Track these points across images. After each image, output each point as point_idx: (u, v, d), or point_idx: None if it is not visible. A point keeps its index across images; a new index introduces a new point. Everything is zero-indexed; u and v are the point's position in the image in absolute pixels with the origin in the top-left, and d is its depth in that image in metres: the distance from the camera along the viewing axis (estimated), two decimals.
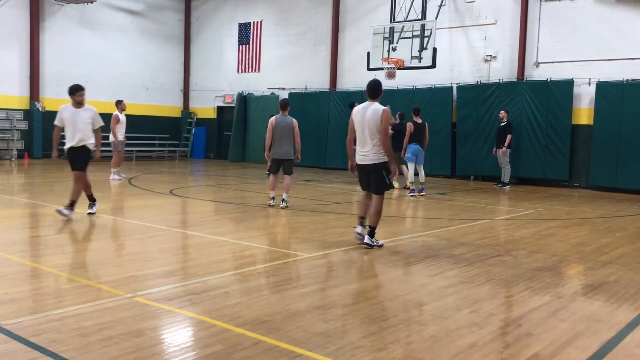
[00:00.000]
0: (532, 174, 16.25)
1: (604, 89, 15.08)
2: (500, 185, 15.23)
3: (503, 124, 15.18)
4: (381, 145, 6.74)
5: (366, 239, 6.87)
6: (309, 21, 21.47)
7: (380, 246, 6.90)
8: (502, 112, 15.28)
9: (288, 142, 10.06)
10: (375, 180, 6.87)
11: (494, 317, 4.47)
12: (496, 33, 17.09)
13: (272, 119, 10.16)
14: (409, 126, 12.66)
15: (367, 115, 6.78)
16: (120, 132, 14.14)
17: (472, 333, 4.05)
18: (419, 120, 12.79)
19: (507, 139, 14.92)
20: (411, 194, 12.57)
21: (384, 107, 6.78)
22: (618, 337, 4.10)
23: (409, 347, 3.79)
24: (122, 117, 14.19)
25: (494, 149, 15.42)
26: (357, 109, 6.94)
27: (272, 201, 10.17)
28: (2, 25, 19.76)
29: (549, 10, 16.19)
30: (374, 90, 6.92)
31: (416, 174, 12.79)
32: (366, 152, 6.86)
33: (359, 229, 7.10)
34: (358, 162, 7.01)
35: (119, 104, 14.35)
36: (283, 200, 10.11)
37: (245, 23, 23.21)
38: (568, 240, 8.00)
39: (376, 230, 6.96)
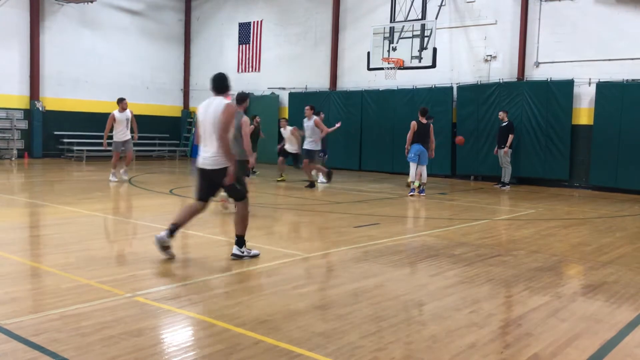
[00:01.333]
0: (532, 174, 16.24)
1: (604, 89, 15.08)
2: (500, 185, 15.23)
3: (504, 124, 15.20)
4: (220, 142, 5.88)
5: (234, 250, 6.10)
6: (309, 21, 21.47)
7: (254, 256, 6.12)
8: (502, 113, 15.31)
9: (238, 142, 9.13)
10: (226, 189, 6.13)
11: (494, 317, 4.47)
12: (496, 33, 17.08)
13: None
14: (413, 125, 12.54)
15: (209, 112, 5.95)
16: (118, 131, 13.51)
17: (472, 333, 4.05)
18: (424, 121, 12.73)
19: (509, 139, 14.92)
20: (411, 193, 12.56)
21: (227, 102, 5.96)
22: (618, 337, 4.10)
23: (409, 347, 3.79)
24: (120, 116, 13.48)
25: (495, 149, 15.42)
26: (202, 105, 6.11)
27: (223, 205, 9.26)
28: (2, 25, 19.75)
29: (549, 10, 16.19)
30: (219, 84, 6.14)
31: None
32: (207, 154, 5.98)
33: (162, 233, 6.00)
34: (198, 165, 6.10)
35: (119, 102, 13.72)
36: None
37: (246, 23, 23.20)
38: (568, 240, 8.00)
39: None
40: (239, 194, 6.13)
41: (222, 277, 5.45)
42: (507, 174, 15.20)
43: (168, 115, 24.76)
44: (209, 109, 5.97)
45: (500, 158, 15.24)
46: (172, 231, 6.00)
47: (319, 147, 13.76)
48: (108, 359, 3.42)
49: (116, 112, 13.64)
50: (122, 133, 13.67)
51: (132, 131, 13.95)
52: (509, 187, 15.13)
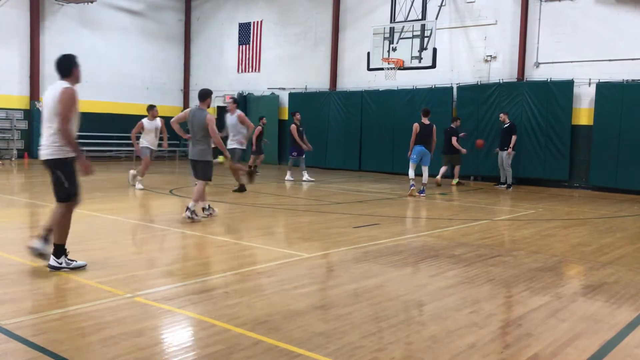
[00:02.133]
0: (532, 174, 16.23)
1: (604, 89, 15.08)
2: (506, 187, 15.11)
3: (506, 125, 15.19)
4: (59, 134, 5.37)
5: (51, 261, 5.39)
6: (309, 21, 21.47)
7: (78, 268, 5.43)
8: (502, 115, 15.32)
9: (202, 141, 8.45)
10: (53, 182, 5.51)
11: (494, 317, 4.47)
12: (496, 33, 17.09)
13: (187, 110, 8.91)
14: (415, 127, 12.54)
15: (48, 97, 5.44)
16: (144, 139, 12.81)
17: (472, 333, 4.05)
18: (427, 122, 12.71)
19: (512, 140, 14.90)
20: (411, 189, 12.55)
21: (66, 86, 5.42)
22: (618, 337, 4.10)
23: (409, 347, 3.79)
24: (149, 125, 12.86)
25: (497, 149, 15.38)
26: (48, 89, 5.59)
27: (205, 212, 8.71)
28: (2, 25, 19.76)
29: (549, 10, 16.19)
30: (62, 66, 5.51)
31: (420, 174, 12.69)
32: (42, 142, 5.51)
33: (34, 242, 5.50)
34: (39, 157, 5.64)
35: (149, 110, 13.08)
36: (187, 208, 8.33)
37: (246, 23, 23.20)
38: (568, 240, 8.00)
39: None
40: (63, 194, 5.49)
41: (222, 277, 5.45)
42: (508, 176, 15.18)
43: (168, 115, 24.64)
44: (51, 94, 5.44)
45: (501, 159, 15.22)
46: (47, 236, 5.49)
47: (244, 147, 12.27)
48: (108, 359, 3.42)
49: (145, 121, 12.86)
50: (149, 141, 12.85)
51: (161, 139, 13.14)
52: (510, 188, 15.10)
